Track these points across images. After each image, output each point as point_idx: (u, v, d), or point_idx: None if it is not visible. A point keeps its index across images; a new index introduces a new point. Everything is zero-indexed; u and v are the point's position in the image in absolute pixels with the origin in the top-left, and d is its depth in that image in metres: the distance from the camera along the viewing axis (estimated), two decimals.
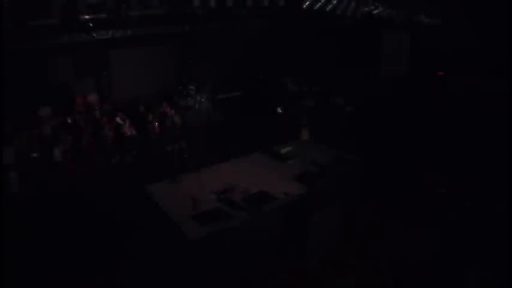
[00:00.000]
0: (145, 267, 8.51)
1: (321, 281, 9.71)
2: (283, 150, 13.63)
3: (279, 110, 17.76)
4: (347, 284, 9.61)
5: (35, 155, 10.52)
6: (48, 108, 13.02)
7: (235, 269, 9.39)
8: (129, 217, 10.19)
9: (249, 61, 18.02)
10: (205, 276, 8.87)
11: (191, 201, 9.65)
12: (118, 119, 13.15)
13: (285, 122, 16.91)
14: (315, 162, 13.27)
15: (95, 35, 14.30)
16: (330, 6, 14.06)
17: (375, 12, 13.52)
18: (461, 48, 14.44)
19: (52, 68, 14.21)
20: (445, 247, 10.35)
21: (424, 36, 15.35)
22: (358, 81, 16.87)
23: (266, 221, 10.12)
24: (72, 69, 14.83)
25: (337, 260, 10.34)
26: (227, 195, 11.28)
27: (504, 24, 12.89)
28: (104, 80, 15.52)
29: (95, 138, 12.32)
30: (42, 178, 10.50)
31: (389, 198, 12.21)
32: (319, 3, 14.28)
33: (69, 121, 12.93)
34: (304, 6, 14.38)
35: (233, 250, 9.46)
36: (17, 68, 12.56)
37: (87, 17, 12.00)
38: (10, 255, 8.28)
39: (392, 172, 12.93)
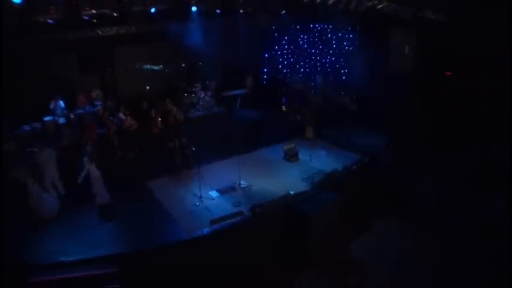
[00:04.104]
0: (144, 263, 8.44)
1: (320, 280, 9.59)
2: (286, 148, 13.60)
3: (284, 108, 17.66)
4: (347, 284, 9.49)
5: (35, 149, 10.52)
6: (58, 103, 13.13)
7: (235, 267, 9.25)
8: (129, 214, 10.15)
9: (253, 58, 17.91)
10: (204, 273, 8.76)
11: None
12: (120, 115, 13.11)
13: (290, 119, 16.88)
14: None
15: (99, 31, 14.33)
16: (332, 0, 13.78)
17: (379, 7, 13.25)
18: (468, 46, 14.20)
19: (56, 64, 14.23)
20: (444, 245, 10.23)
21: (431, 34, 15.10)
22: (364, 79, 16.69)
23: (267, 218, 10.04)
24: (76, 66, 14.86)
25: (338, 259, 10.20)
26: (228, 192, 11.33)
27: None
28: (108, 76, 15.52)
29: (96, 134, 12.28)
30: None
31: (391, 196, 12.04)
32: None
33: (72, 117, 12.93)
34: None
35: (233, 247, 9.37)
36: (20, 64, 12.60)
37: (89, 12, 11.95)
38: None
39: (395, 170, 12.77)
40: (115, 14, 13.00)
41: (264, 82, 19.00)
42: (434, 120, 14.50)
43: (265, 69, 19.16)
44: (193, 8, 14.81)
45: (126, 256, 8.23)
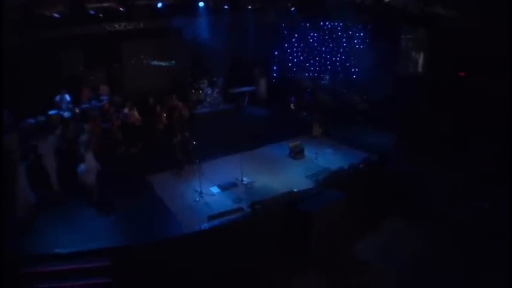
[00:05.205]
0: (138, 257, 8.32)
1: (322, 280, 9.26)
2: (291, 145, 13.37)
3: (292, 106, 17.44)
4: (350, 285, 9.20)
5: (38, 141, 10.54)
6: (64, 96, 13.23)
7: (233, 265, 8.98)
8: (128, 207, 10.06)
9: (262, 55, 17.76)
10: (201, 272, 8.54)
11: None
12: (125, 110, 13.10)
13: (298, 117, 16.68)
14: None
15: (107, 27, 14.37)
16: None
17: (387, 0, 12.86)
18: (481, 46, 13.74)
19: (64, 59, 14.33)
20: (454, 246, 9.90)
21: (443, 33, 14.67)
22: (375, 77, 16.38)
23: (267, 216, 9.81)
24: (83, 61, 14.94)
25: (341, 260, 9.87)
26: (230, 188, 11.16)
27: None
28: (115, 71, 15.57)
29: (101, 129, 12.30)
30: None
31: (399, 196, 11.69)
32: None
33: (77, 111, 12.97)
34: None
35: (232, 245, 9.09)
36: (27, 58, 12.69)
37: (94, 5, 11.96)
38: None
39: (404, 169, 12.41)
40: (121, 9, 13.01)
41: (273, 80, 18.86)
42: (445, 120, 14.08)
43: (274, 67, 19.02)
44: (201, 4, 14.73)
45: (120, 250, 8.10)
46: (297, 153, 13.16)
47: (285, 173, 12.15)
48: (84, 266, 7.91)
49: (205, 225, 8.99)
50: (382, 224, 11.10)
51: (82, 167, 10.08)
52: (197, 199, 10.39)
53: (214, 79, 16.87)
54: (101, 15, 13.10)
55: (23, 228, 8.94)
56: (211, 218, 9.14)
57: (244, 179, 11.39)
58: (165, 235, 8.82)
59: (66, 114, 12.89)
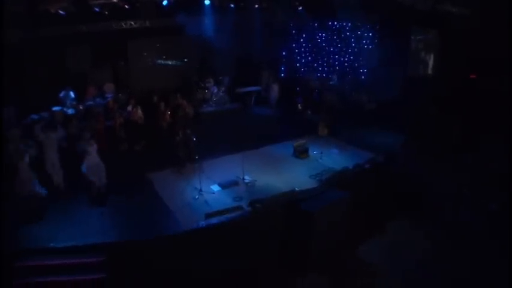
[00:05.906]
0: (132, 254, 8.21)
1: (323, 282, 9.06)
2: (295, 144, 13.16)
3: (299, 107, 17.25)
4: (351, 286, 8.93)
5: (40, 135, 10.55)
6: (68, 93, 13.28)
7: (231, 266, 8.77)
8: (127, 204, 9.99)
9: (269, 55, 17.62)
10: (198, 271, 8.37)
11: None
12: (129, 108, 13.08)
13: (305, 117, 16.48)
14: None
15: (113, 25, 14.40)
16: None
17: None
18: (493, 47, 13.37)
19: (70, 56, 14.40)
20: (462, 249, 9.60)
21: (455, 33, 14.34)
22: (383, 78, 16.10)
23: (268, 215, 9.64)
24: (89, 58, 14.99)
25: (344, 261, 9.64)
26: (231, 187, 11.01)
27: None
28: (120, 69, 15.60)
29: (104, 126, 12.28)
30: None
31: (406, 197, 11.40)
32: None
33: (81, 108, 13.00)
34: None
35: (230, 244, 8.88)
36: (33, 55, 12.77)
37: (97, 2, 11.98)
38: None
39: (411, 170, 12.13)
40: (126, 7, 13.01)
41: (281, 80, 18.68)
42: (454, 121, 13.75)
43: (282, 67, 18.86)
44: (207, 2, 14.67)
45: (115, 246, 8.00)
46: (301, 153, 12.95)
47: (288, 172, 11.94)
48: (79, 261, 7.81)
49: (202, 223, 8.84)
50: (387, 225, 10.85)
51: (84, 163, 10.03)
52: (196, 197, 10.24)
53: (221, 78, 16.79)
54: (106, 12, 13.10)
55: (31, 221, 8.90)
56: (209, 216, 8.99)
57: (246, 177, 11.21)
58: (161, 232, 8.68)
59: (70, 111, 12.93)
